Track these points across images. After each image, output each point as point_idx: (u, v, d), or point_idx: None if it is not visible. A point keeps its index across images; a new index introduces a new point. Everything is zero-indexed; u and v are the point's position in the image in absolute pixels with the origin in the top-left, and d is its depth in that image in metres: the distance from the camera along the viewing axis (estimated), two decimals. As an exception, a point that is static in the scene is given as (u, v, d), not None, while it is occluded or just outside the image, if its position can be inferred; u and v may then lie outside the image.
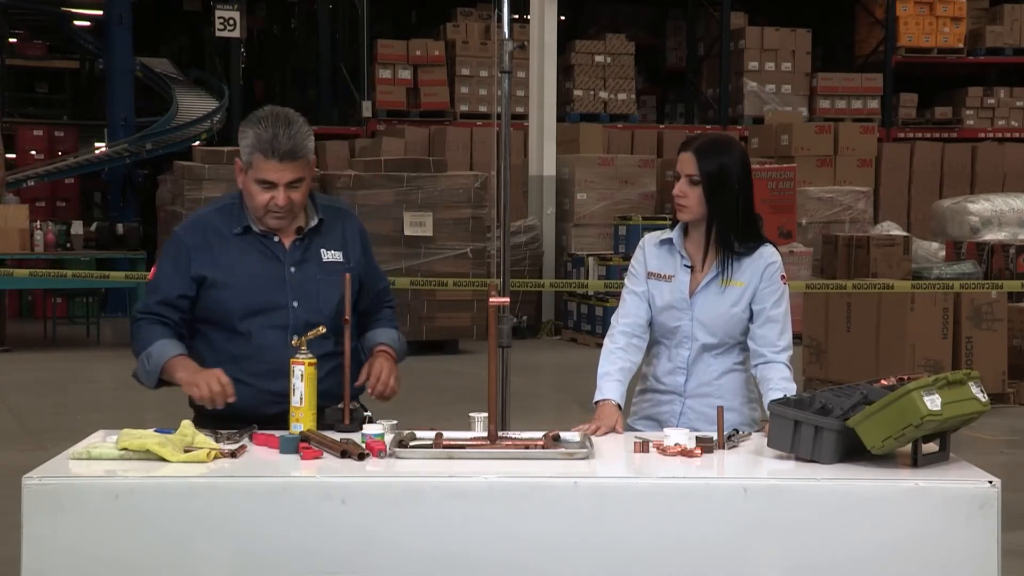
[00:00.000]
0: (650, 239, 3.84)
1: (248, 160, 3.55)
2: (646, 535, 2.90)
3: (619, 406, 3.67)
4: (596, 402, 3.70)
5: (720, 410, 3.36)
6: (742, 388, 3.80)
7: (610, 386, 3.71)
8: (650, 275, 3.79)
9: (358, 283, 3.73)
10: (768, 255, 3.74)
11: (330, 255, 3.68)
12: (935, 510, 2.91)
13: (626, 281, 3.86)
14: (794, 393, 3.59)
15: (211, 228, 3.67)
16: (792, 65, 19.21)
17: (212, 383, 3.45)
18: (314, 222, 3.68)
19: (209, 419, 3.52)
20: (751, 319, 3.73)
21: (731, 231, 3.69)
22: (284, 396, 3.43)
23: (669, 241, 3.79)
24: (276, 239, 3.65)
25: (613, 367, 3.75)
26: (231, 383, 3.47)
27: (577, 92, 18.51)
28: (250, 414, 3.51)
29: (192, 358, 3.62)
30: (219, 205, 3.76)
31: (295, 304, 3.61)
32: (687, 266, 3.75)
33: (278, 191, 3.55)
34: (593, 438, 3.36)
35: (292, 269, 3.64)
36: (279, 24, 23.49)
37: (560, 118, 15.50)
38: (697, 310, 3.72)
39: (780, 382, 3.66)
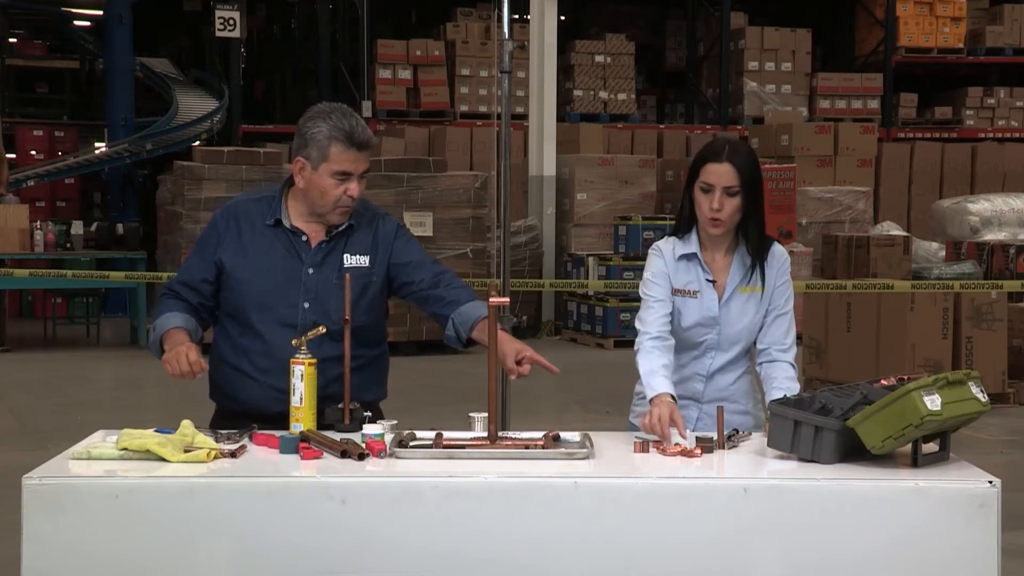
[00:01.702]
0: (668, 251, 3.71)
1: (323, 153, 3.56)
2: (646, 535, 2.90)
3: (673, 397, 3.49)
4: (651, 399, 3.49)
5: (720, 410, 3.36)
6: (752, 391, 3.79)
7: (660, 382, 3.51)
8: (675, 292, 3.68)
9: (383, 280, 3.69)
10: (779, 254, 3.72)
11: (353, 260, 3.67)
12: (935, 510, 2.91)
13: (646, 289, 3.70)
14: (796, 392, 3.59)
15: (244, 215, 3.70)
16: (792, 65, 19.21)
17: (182, 362, 3.46)
18: (343, 226, 3.68)
19: (226, 413, 3.59)
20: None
21: (759, 236, 3.65)
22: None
23: (689, 256, 3.68)
24: (304, 238, 3.66)
25: (657, 363, 3.56)
26: (200, 361, 3.47)
27: (577, 92, 18.51)
28: (258, 409, 3.54)
29: (214, 353, 3.67)
30: (260, 195, 3.78)
31: (306, 305, 3.62)
32: (709, 280, 3.68)
33: (352, 182, 3.58)
34: (593, 437, 3.35)
35: (310, 271, 3.64)
36: (279, 24, 23.49)
37: (560, 118, 15.50)
38: (724, 324, 3.68)
39: (784, 381, 3.64)
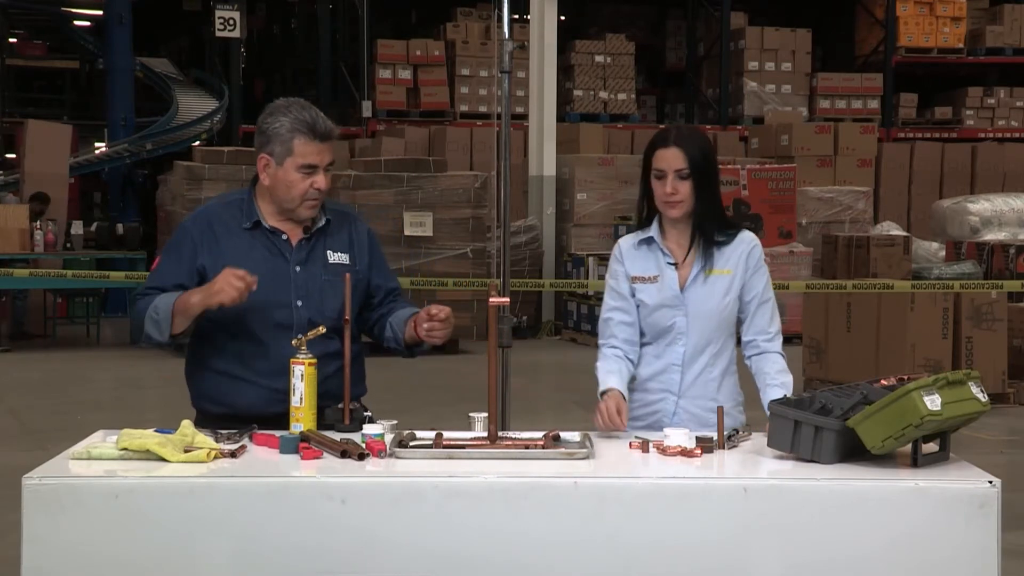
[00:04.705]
0: (625, 243, 3.77)
1: (287, 147, 3.55)
2: (646, 535, 2.90)
3: (623, 394, 3.59)
4: (601, 392, 3.60)
5: (720, 410, 3.36)
6: (734, 391, 3.76)
7: (613, 379, 3.63)
8: (634, 279, 3.72)
9: (366, 284, 3.72)
10: (749, 240, 3.72)
11: (336, 257, 3.67)
12: (935, 510, 2.91)
13: (606, 297, 3.76)
14: (791, 385, 3.61)
15: (218, 221, 3.66)
16: (792, 65, 19.22)
17: (234, 283, 3.40)
18: (322, 222, 3.68)
19: (215, 419, 3.52)
20: (741, 308, 3.71)
21: (715, 219, 3.67)
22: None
23: (648, 240, 3.73)
24: (284, 237, 3.64)
25: (614, 366, 3.68)
26: (246, 274, 3.42)
27: (577, 92, 18.52)
28: (256, 413, 3.50)
29: (196, 361, 3.61)
30: (227, 200, 3.74)
31: (299, 303, 3.60)
32: (671, 263, 3.70)
33: (319, 174, 3.58)
34: (593, 437, 3.35)
35: (297, 268, 3.63)
36: (279, 24, 23.52)
37: (560, 118, 15.50)
38: (690, 305, 3.68)
39: (777, 376, 3.65)
